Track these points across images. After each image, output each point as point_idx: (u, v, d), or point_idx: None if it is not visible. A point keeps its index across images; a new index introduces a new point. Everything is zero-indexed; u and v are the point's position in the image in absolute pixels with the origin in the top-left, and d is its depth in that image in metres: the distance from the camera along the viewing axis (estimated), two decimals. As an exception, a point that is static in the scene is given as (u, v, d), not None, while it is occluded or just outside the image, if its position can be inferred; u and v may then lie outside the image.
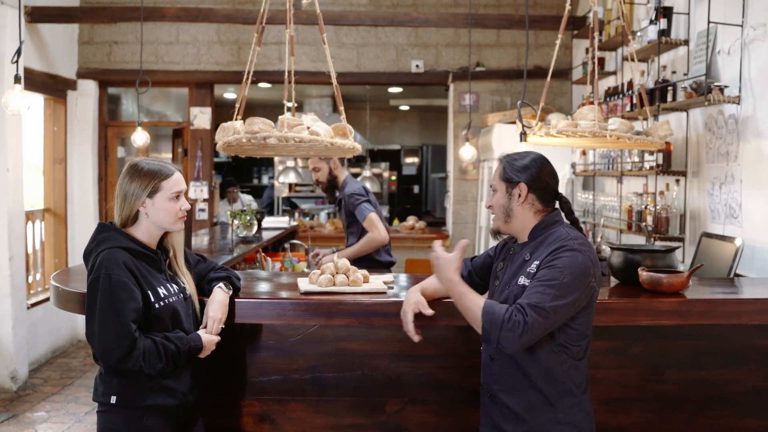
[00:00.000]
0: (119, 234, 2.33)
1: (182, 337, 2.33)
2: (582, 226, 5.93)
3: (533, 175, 2.31)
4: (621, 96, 5.45)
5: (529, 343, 2.13)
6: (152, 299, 2.29)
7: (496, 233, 2.43)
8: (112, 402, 2.29)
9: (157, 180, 2.35)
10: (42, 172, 7.10)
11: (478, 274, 2.57)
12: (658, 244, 3.92)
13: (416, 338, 2.42)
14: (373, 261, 4.64)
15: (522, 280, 2.24)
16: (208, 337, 2.41)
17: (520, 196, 2.31)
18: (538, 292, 2.13)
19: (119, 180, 2.38)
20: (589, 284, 2.20)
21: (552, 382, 2.21)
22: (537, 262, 2.22)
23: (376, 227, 4.53)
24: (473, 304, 2.19)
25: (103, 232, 2.35)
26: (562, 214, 2.39)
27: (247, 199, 8.43)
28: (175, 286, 2.41)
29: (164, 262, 2.43)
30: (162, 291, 2.33)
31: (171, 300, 2.35)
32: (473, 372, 2.52)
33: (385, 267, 4.75)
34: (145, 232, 2.38)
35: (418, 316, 2.43)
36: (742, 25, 4.04)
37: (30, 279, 6.30)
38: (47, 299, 6.29)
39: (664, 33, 4.67)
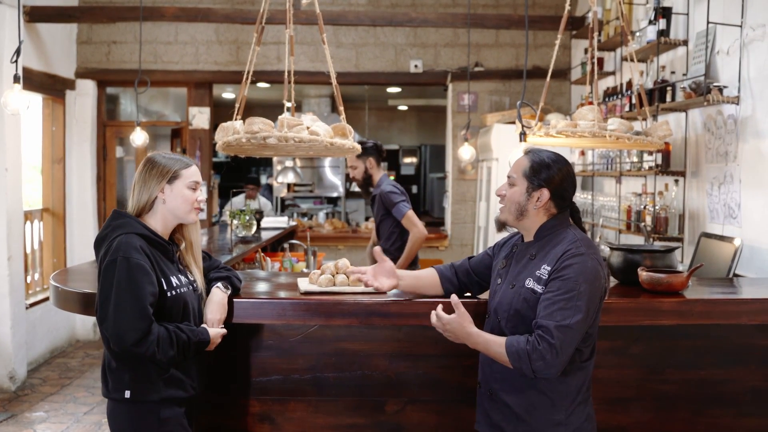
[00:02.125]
0: (134, 221, 2.35)
1: (194, 329, 2.35)
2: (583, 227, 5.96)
3: (557, 183, 2.28)
4: (620, 96, 5.45)
5: (564, 363, 2.14)
6: (165, 287, 2.31)
7: (502, 225, 2.41)
8: (126, 397, 2.28)
9: (178, 168, 2.41)
10: (40, 171, 7.10)
11: (476, 273, 2.57)
12: (657, 244, 3.93)
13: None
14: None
15: (530, 283, 2.23)
16: (215, 330, 2.43)
17: (539, 200, 2.28)
18: (560, 309, 2.12)
19: (138, 171, 2.42)
20: (602, 286, 2.22)
21: (557, 384, 2.21)
22: (546, 267, 2.21)
23: (415, 225, 4.75)
24: (497, 346, 2.19)
25: (118, 219, 2.36)
26: (569, 218, 2.38)
27: (263, 201, 8.42)
28: (184, 278, 2.43)
29: (175, 254, 2.45)
30: (174, 281, 2.35)
31: (182, 290, 2.37)
32: (472, 371, 2.52)
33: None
34: (160, 221, 2.40)
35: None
36: (741, 26, 4.05)
37: (28, 279, 6.30)
38: (46, 299, 6.29)
39: (663, 33, 4.67)
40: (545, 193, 2.28)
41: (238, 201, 7.97)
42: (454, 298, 2.28)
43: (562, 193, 2.30)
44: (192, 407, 2.47)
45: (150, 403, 2.30)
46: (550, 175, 2.27)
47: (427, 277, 2.60)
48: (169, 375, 2.31)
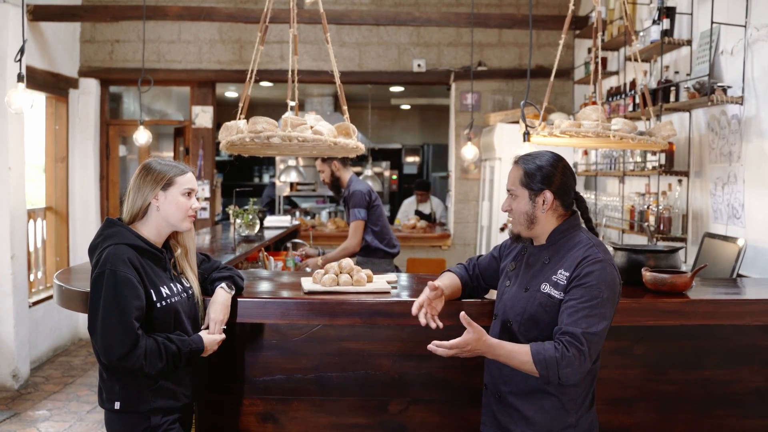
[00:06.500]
0: (126, 230, 2.34)
1: (184, 339, 2.34)
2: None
3: (556, 181, 2.27)
4: (624, 96, 5.45)
5: (587, 370, 2.15)
6: (154, 298, 2.30)
7: (517, 238, 2.39)
8: (116, 408, 2.30)
9: (173, 174, 2.40)
10: (43, 170, 7.11)
11: (484, 277, 2.57)
12: (661, 245, 3.92)
13: (432, 324, 2.32)
14: (380, 251, 5.02)
15: (546, 288, 2.22)
16: (210, 337, 2.42)
17: (544, 203, 2.27)
18: (585, 316, 2.11)
19: (134, 177, 2.41)
20: (619, 292, 2.23)
21: (568, 387, 2.20)
22: (564, 272, 2.20)
23: (355, 236, 4.89)
24: (523, 355, 2.13)
25: (110, 228, 2.35)
26: (581, 219, 2.37)
27: (435, 202, 8.86)
28: (178, 285, 2.42)
29: (169, 261, 2.44)
30: (165, 291, 2.34)
31: (173, 300, 2.36)
32: (476, 372, 2.52)
33: (390, 256, 5.05)
34: (153, 228, 2.39)
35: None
36: (745, 26, 4.04)
37: (31, 277, 6.30)
38: (49, 297, 6.30)
39: (666, 33, 4.66)
40: (548, 195, 2.27)
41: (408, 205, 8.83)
42: (464, 316, 2.13)
43: (564, 189, 2.29)
44: (187, 411, 2.47)
45: (140, 413, 2.30)
46: (545, 174, 2.26)
47: (454, 284, 2.54)
48: (158, 386, 2.31)
